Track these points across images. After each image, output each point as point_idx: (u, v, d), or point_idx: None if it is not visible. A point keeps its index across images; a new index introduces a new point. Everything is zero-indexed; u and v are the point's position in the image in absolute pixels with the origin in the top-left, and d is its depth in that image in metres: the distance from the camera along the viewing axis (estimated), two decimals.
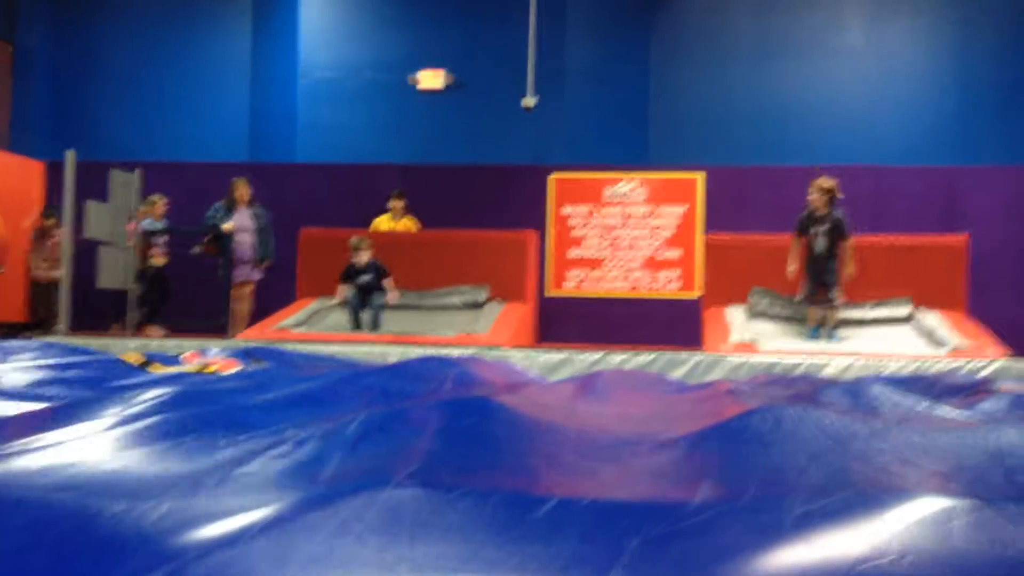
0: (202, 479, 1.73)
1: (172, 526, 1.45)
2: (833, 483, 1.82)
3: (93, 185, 10.39)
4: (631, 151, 12.67)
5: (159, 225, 10.57)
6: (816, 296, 8.50)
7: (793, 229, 8.61)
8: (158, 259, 10.51)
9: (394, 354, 8.08)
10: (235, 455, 1.88)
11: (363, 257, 9.15)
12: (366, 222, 11.36)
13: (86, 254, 10.19)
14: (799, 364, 7.27)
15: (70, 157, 10.18)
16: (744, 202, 11.68)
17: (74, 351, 4.66)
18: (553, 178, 11.97)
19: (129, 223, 10.59)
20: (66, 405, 2.35)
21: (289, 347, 8.11)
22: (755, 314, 9.21)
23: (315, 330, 9.08)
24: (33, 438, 1.85)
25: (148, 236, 10.42)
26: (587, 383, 4.19)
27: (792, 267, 8.48)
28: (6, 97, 13.69)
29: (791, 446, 2.24)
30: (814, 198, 8.33)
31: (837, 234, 8.30)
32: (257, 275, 10.61)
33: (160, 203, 10.63)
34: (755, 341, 8.22)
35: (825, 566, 1.36)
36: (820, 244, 8.31)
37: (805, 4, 13.33)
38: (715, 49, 13.30)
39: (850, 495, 1.67)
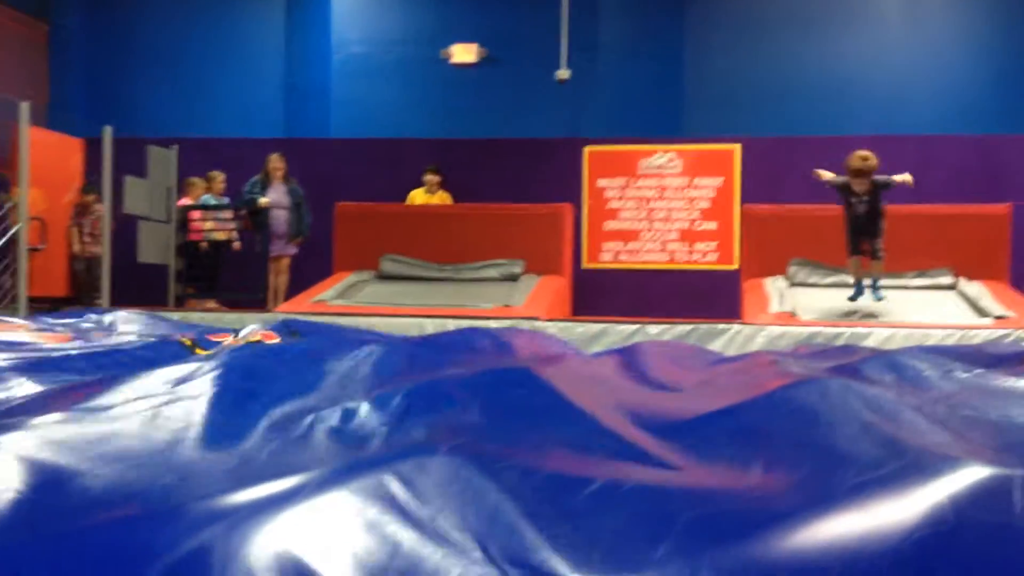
0: (252, 448, 1.74)
1: (223, 492, 1.46)
2: (886, 454, 1.80)
3: (131, 161, 10.49)
4: (666, 123, 12.56)
5: (221, 201, 10.68)
6: (860, 247, 8.11)
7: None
8: (220, 234, 10.62)
9: (431, 326, 8.11)
10: (283, 425, 1.88)
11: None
12: (400, 196, 11.38)
13: (129, 229, 10.31)
14: (841, 334, 7.21)
15: (107, 134, 10.27)
16: (781, 173, 11.55)
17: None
18: (588, 151, 11.91)
19: (180, 199, 10.70)
20: (116, 378, 2.37)
21: (327, 320, 8.16)
22: (794, 284, 9.13)
23: (352, 303, 9.11)
24: (89, 408, 1.87)
25: (207, 211, 10.54)
26: (627, 355, 4.17)
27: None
28: (44, 75, 13.80)
29: (839, 417, 2.21)
30: (856, 183, 7.96)
31: (878, 197, 8.05)
32: (293, 249, 10.67)
33: (219, 179, 10.73)
34: (795, 311, 8.16)
35: (881, 536, 1.34)
36: (861, 208, 8.12)
37: None
38: (751, 19, 13.11)
39: (905, 465, 1.65)
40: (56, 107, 13.29)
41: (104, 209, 10.28)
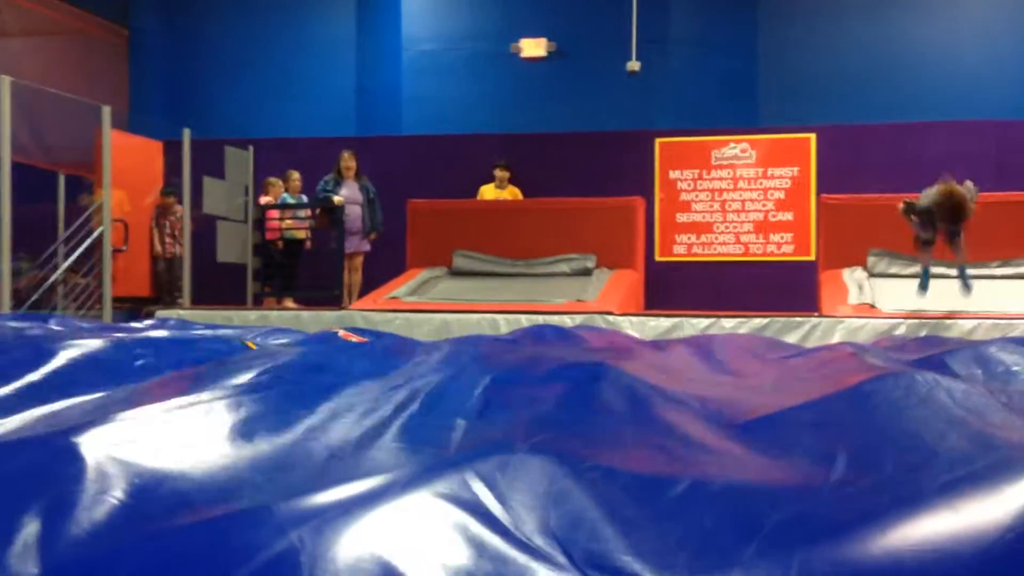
0: (335, 446, 1.76)
1: (310, 492, 1.47)
2: (976, 450, 1.75)
3: (209, 162, 10.70)
4: (739, 113, 12.41)
5: (299, 200, 10.85)
6: (933, 238, 7.44)
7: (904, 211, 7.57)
8: (299, 232, 10.79)
9: (504, 322, 8.13)
10: (364, 422, 1.90)
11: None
12: (471, 192, 11.43)
13: (208, 229, 10.53)
14: (924, 325, 7.05)
15: (186, 136, 10.49)
16: (859, 161, 11.33)
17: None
18: (659, 142, 11.82)
19: (258, 198, 10.90)
20: (194, 376, 2.42)
21: (402, 316, 8.23)
22: (874, 275, 8.95)
23: (425, 299, 9.18)
24: (172, 406, 1.91)
25: (285, 210, 10.72)
26: (703, 346, 4.13)
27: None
28: (124, 79, 14.16)
29: (926, 412, 2.16)
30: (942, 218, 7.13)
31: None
32: (367, 246, 10.78)
33: (295, 178, 10.91)
34: (875, 303, 7.99)
35: (973, 534, 1.31)
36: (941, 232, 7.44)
37: None
38: (825, 5, 12.87)
39: (996, 461, 1.60)
40: (136, 110, 13.63)
41: (184, 210, 10.51)
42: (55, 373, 2.68)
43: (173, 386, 2.30)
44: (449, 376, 2.28)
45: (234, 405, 1.91)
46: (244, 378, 2.26)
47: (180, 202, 10.90)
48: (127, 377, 2.72)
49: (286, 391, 2.06)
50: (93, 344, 2.91)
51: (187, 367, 2.76)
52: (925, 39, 12.65)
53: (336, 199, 10.40)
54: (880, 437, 1.97)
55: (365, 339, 4.00)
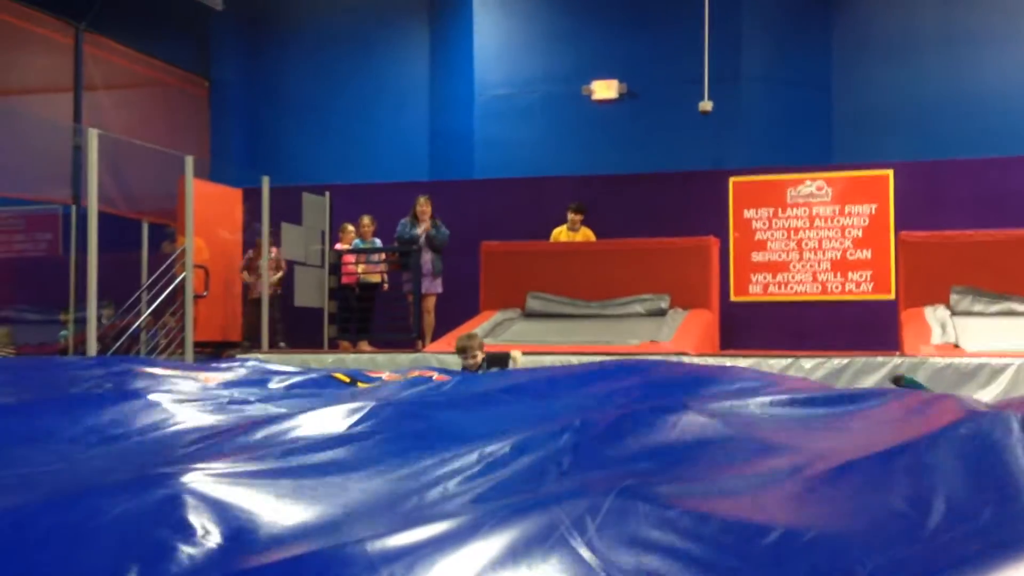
0: (425, 485, 1.78)
1: (399, 530, 1.49)
2: None
3: (286, 208, 10.93)
4: (814, 151, 12.29)
5: (371, 243, 11.01)
6: None
7: None
8: (373, 276, 10.94)
9: (579, 364, 8.10)
10: (453, 462, 1.91)
11: (475, 359, 7.13)
12: (544, 234, 11.46)
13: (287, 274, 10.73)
14: (1009, 365, 6.86)
15: (266, 183, 10.73)
16: (939, 198, 11.12)
17: None
18: (733, 181, 11.75)
19: (335, 243, 11.09)
20: (288, 415, 2.46)
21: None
22: (957, 313, 8.73)
23: (499, 341, 9.20)
24: (265, 445, 1.94)
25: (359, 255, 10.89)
26: (777, 388, 4.06)
27: None
28: (205, 130, 14.58)
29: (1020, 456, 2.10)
30: None
31: None
32: (438, 287, 10.86)
33: (367, 223, 11.08)
34: (958, 342, 7.79)
35: None
36: None
37: None
38: (901, 40, 12.73)
39: None
40: (217, 159, 13.99)
41: (263, 256, 10.73)
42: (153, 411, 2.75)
43: (269, 428, 2.34)
44: (537, 418, 2.28)
45: (325, 445, 1.94)
46: (341, 424, 2.29)
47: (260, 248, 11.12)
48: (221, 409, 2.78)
49: (380, 438, 2.09)
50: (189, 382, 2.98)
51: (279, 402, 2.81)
52: (1001, 72, 12.41)
53: (418, 232, 10.51)
54: (979, 481, 1.92)
55: (347, 378, 4.01)
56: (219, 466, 1.82)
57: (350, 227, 11.20)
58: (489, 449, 1.98)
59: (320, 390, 3.39)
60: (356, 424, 2.24)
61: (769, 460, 2.10)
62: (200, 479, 1.74)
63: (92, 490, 1.67)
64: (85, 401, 3.06)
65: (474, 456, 1.95)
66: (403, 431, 2.12)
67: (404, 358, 8.78)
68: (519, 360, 7.36)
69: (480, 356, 7.18)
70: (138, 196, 11.66)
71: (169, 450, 2.28)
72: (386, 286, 11.16)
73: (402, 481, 1.86)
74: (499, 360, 7.28)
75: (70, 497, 1.61)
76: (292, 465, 1.90)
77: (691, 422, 2.43)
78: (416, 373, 4.26)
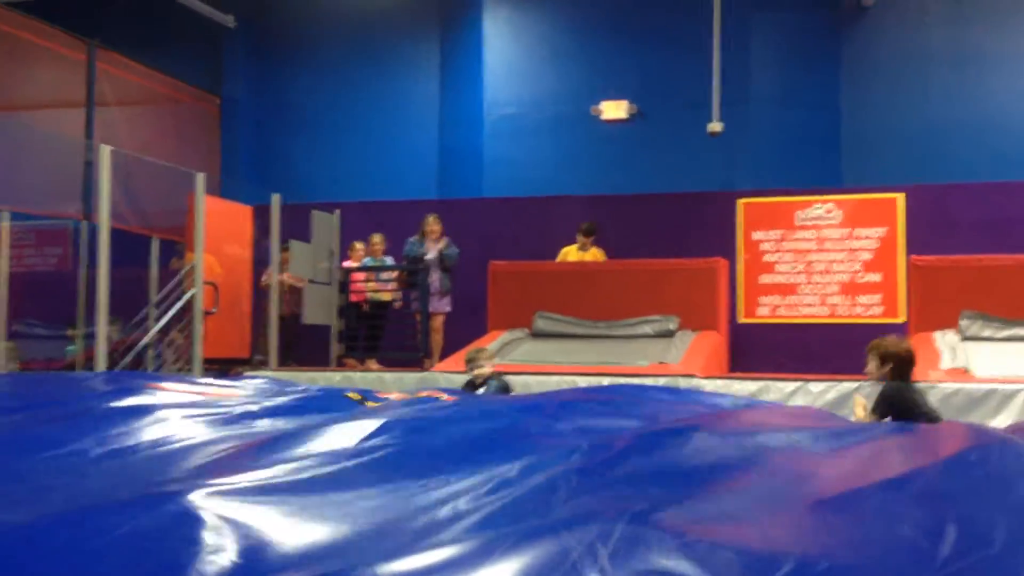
0: (435, 509, 1.77)
1: (412, 552, 1.48)
2: None
3: (296, 226, 10.95)
4: (823, 173, 12.29)
5: (381, 262, 11.03)
6: None
7: None
8: (384, 295, 10.95)
9: (586, 385, 8.09)
10: (466, 482, 1.91)
11: (480, 370, 7.36)
12: (552, 254, 11.47)
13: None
14: (1019, 391, 6.83)
15: (276, 201, 10.76)
16: (949, 221, 11.10)
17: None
18: (742, 203, 11.75)
19: (343, 261, 11.10)
20: (296, 433, 2.46)
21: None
22: (967, 338, 8.70)
23: (507, 361, 9.19)
24: (278, 463, 1.94)
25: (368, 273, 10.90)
26: (783, 418, 4.05)
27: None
28: (215, 146, 14.63)
29: None
30: None
31: None
32: (447, 307, 10.87)
33: (376, 242, 11.10)
34: (968, 367, 7.76)
35: None
36: None
37: (1007, 10, 12.59)
38: (911, 63, 12.74)
39: None
40: (227, 175, 14.04)
41: (272, 274, 10.74)
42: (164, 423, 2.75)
43: (279, 445, 2.34)
44: (545, 442, 2.28)
45: (337, 464, 1.94)
46: (350, 442, 2.29)
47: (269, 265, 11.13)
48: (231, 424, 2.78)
49: (389, 455, 2.08)
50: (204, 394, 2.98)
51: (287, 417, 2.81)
52: (1012, 96, 12.41)
53: (426, 250, 10.53)
54: (987, 509, 1.91)
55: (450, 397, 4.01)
56: (228, 483, 1.82)
57: (359, 245, 11.22)
58: (499, 469, 1.97)
59: (329, 408, 3.39)
60: (365, 440, 2.24)
61: (779, 485, 2.09)
62: (209, 496, 1.74)
63: (102, 506, 1.67)
64: (94, 415, 3.07)
65: (484, 476, 1.95)
66: (412, 448, 2.12)
67: (412, 377, 8.78)
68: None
69: (488, 369, 7.28)
70: (148, 212, 11.70)
71: (178, 466, 2.28)
72: (398, 304, 11.17)
73: (411, 499, 1.85)
74: (505, 390, 7.30)
75: (80, 513, 1.61)
76: (301, 480, 1.90)
77: (701, 445, 2.42)
78: (425, 394, 4.25)
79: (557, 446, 2.23)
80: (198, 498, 1.68)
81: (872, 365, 5.40)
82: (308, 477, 1.92)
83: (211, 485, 1.82)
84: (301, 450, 2.28)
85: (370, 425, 2.36)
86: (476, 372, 7.27)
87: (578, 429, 2.57)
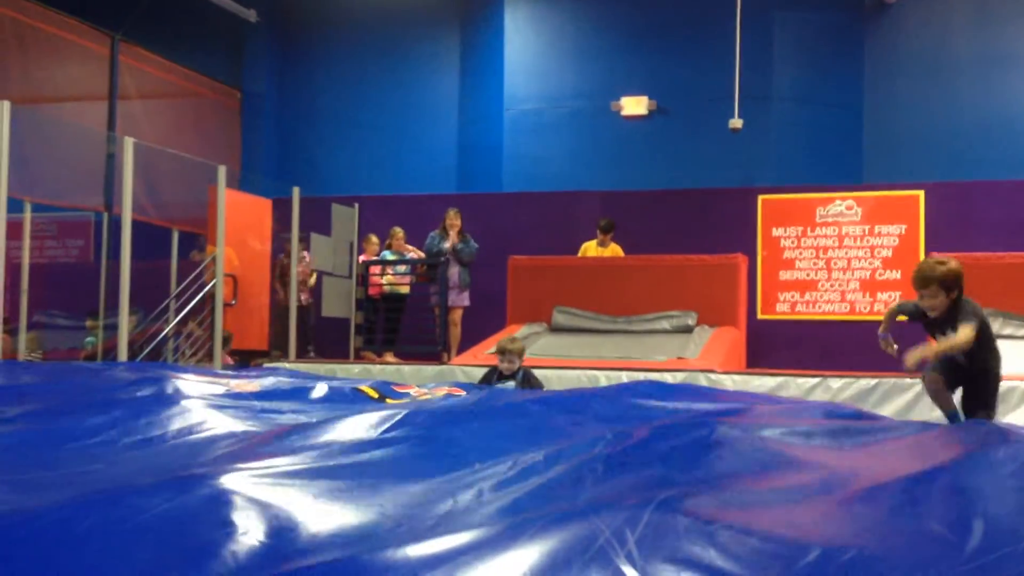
0: (462, 495, 1.78)
1: (436, 536, 1.49)
2: None
3: (316, 219, 10.99)
4: (844, 170, 12.23)
5: (401, 255, 11.05)
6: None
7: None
8: (403, 287, 10.98)
9: (605, 379, 8.09)
10: (490, 469, 1.92)
11: (512, 364, 7.14)
12: (571, 249, 11.47)
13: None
14: None
15: (296, 194, 10.80)
16: (970, 219, 11.04)
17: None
18: (762, 199, 11.72)
19: (361, 254, 11.14)
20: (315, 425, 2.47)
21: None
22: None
23: (526, 355, 9.19)
24: (302, 451, 1.96)
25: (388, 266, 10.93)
26: (807, 412, 4.04)
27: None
28: (236, 140, 14.71)
29: None
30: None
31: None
32: (465, 300, 10.88)
33: (400, 235, 11.12)
34: None
35: None
36: None
37: None
38: (933, 61, 12.67)
39: None
40: (247, 169, 14.10)
41: (291, 266, 10.79)
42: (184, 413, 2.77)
43: (305, 433, 2.36)
44: (571, 431, 2.29)
45: (361, 451, 1.95)
46: (375, 431, 2.31)
47: (288, 258, 11.18)
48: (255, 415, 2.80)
49: (412, 443, 2.10)
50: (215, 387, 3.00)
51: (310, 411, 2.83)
52: None
53: (446, 246, 10.56)
54: (1018, 505, 1.90)
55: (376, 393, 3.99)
56: (256, 467, 1.84)
57: (374, 238, 11.24)
58: (524, 457, 1.98)
59: (349, 403, 3.40)
60: (389, 430, 2.25)
61: (803, 476, 2.09)
62: (238, 479, 1.76)
63: (133, 489, 1.69)
64: (120, 404, 3.10)
65: (508, 463, 1.96)
66: (436, 436, 2.13)
67: (430, 370, 8.79)
68: None
69: (518, 364, 7.15)
70: (168, 204, 11.75)
71: (205, 452, 2.30)
72: (406, 290, 11.14)
73: (437, 484, 1.86)
74: (531, 384, 7.21)
75: (112, 495, 1.63)
76: (328, 466, 1.92)
77: (723, 436, 2.42)
78: (445, 391, 4.26)
79: (580, 435, 2.23)
80: (228, 481, 1.70)
81: (937, 300, 4.68)
82: (333, 461, 1.94)
83: (238, 469, 1.84)
84: (324, 437, 2.30)
85: (393, 414, 2.38)
86: (504, 366, 7.09)
87: (601, 419, 2.57)
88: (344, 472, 1.93)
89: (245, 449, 2.27)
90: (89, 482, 1.96)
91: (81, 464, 2.25)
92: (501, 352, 7.22)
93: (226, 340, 10.04)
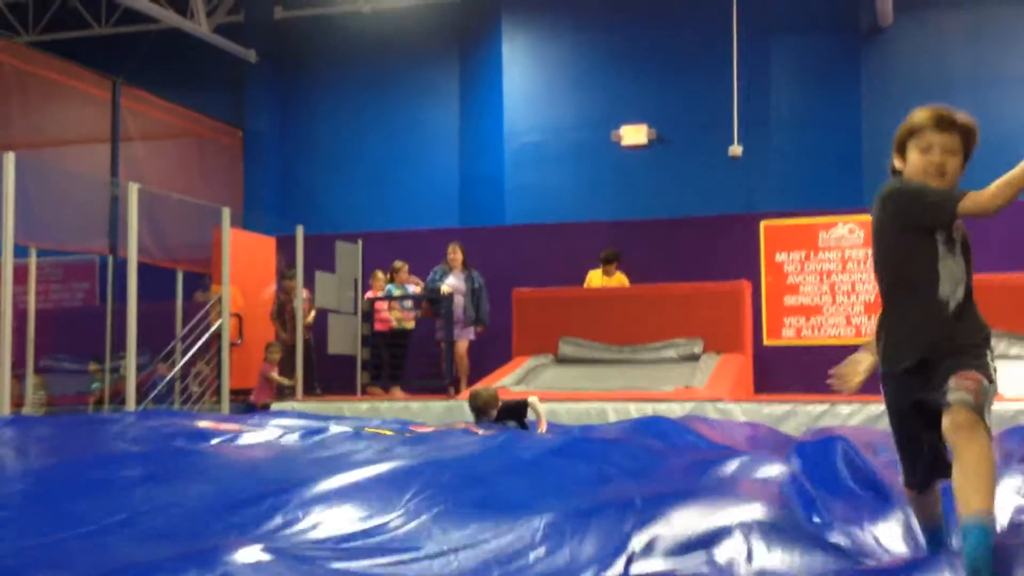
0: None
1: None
2: None
3: (320, 256, 11.02)
4: (845, 194, 12.24)
5: (405, 290, 11.07)
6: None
7: None
8: (408, 322, 10.99)
9: (612, 410, 8.08)
10: (513, 533, 1.92)
11: (492, 415, 6.75)
12: (576, 280, 11.48)
13: (321, 321, 10.80)
14: None
15: (300, 232, 10.84)
16: (977, 240, 11.01)
17: None
18: (764, 225, 11.74)
19: (368, 290, 11.15)
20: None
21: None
22: (995, 358, 8.62)
23: (532, 387, 9.20)
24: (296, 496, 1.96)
25: (392, 301, 10.94)
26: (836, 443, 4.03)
27: None
28: (239, 179, 14.76)
29: None
30: None
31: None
32: (471, 334, 10.90)
33: (403, 270, 11.15)
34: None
35: None
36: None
37: None
38: (931, 84, 12.70)
39: None
40: (250, 208, 14.15)
41: (296, 304, 10.80)
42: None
43: (316, 504, 2.36)
44: (592, 484, 2.29)
45: (378, 535, 1.95)
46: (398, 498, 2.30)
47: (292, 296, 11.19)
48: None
49: (437, 511, 2.09)
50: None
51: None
52: None
53: (443, 289, 10.58)
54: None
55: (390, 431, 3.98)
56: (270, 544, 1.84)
57: (380, 275, 11.27)
58: (548, 519, 1.97)
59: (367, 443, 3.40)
60: (412, 498, 2.24)
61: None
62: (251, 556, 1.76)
63: (149, 567, 1.69)
64: (133, 458, 3.11)
65: (535, 524, 1.95)
66: (460, 500, 2.13)
67: (438, 406, 8.79)
68: (538, 406, 6.97)
69: (495, 410, 6.76)
70: (172, 245, 11.79)
71: (219, 518, 2.31)
72: (411, 325, 11.14)
73: (442, 538, 1.87)
74: (516, 410, 6.86)
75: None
76: (347, 548, 1.92)
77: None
78: (461, 426, 4.25)
79: (605, 495, 2.24)
80: (241, 557, 1.71)
81: (956, 159, 3.09)
82: (353, 544, 1.94)
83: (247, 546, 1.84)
84: (344, 509, 2.28)
85: (415, 475, 2.37)
86: (485, 420, 6.65)
87: (623, 470, 2.56)
88: (361, 553, 1.94)
89: (254, 517, 2.27)
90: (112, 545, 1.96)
91: (97, 519, 2.24)
92: (475, 411, 6.75)
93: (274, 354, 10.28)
